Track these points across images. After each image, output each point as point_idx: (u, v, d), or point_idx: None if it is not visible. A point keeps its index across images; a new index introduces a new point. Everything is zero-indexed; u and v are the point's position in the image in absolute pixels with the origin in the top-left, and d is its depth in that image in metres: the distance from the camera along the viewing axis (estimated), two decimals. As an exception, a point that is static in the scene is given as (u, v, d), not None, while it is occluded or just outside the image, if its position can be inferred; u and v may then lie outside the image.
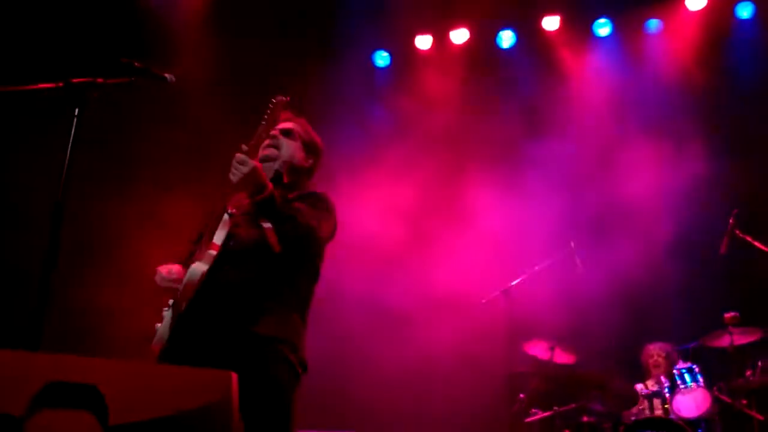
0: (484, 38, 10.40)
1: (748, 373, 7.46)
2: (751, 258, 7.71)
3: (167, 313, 4.00)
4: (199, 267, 3.89)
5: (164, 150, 9.06)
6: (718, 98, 9.32)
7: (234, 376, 2.50)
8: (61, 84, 3.71)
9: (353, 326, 9.17)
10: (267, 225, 3.95)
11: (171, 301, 4.02)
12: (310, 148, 4.52)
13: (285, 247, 3.97)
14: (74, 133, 3.64)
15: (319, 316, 8.79)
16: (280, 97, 4.12)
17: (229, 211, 4.06)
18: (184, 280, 3.89)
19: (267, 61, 9.49)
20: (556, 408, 7.87)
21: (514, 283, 8.22)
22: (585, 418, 7.71)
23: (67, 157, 3.59)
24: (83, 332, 7.59)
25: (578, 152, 9.40)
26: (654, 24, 9.91)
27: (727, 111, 9.31)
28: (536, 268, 8.33)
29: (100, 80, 3.76)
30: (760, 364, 7.43)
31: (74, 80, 3.71)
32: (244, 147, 3.97)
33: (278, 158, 4.36)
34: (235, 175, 3.85)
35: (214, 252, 3.94)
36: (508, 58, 10.36)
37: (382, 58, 10.71)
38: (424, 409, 8.82)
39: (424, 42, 10.51)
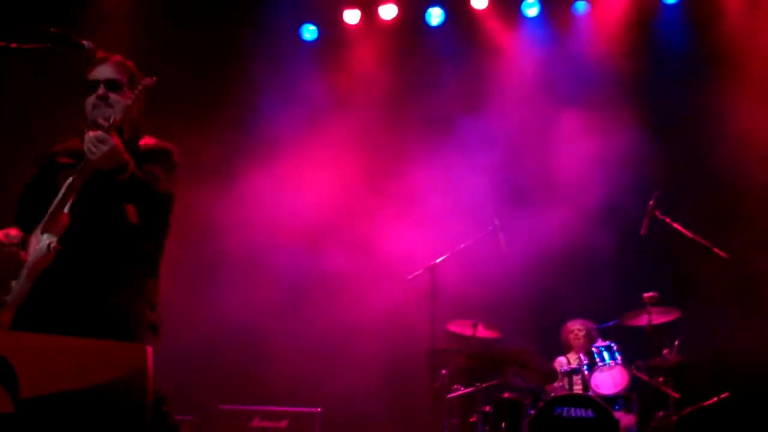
0: (412, 15, 10.35)
1: (665, 351, 7.58)
2: (670, 239, 7.86)
3: (16, 284, 3.87)
4: (50, 241, 3.79)
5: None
6: (642, 78, 9.43)
7: (149, 349, 2.51)
8: (-26, 48, 3.64)
9: (275, 297, 9.21)
10: (126, 203, 3.95)
11: (17, 273, 3.89)
12: (132, 84, 4.15)
13: (143, 219, 4.01)
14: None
15: (241, 286, 8.87)
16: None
17: (71, 178, 3.87)
18: (37, 252, 3.80)
19: (193, 35, 9.41)
20: (477, 384, 7.92)
21: (439, 260, 8.28)
22: (506, 394, 7.82)
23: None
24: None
25: (504, 130, 9.45)
26: (581, 6, 9.98)
27: (651, 91, 9.43)
28: (461, 245, 8.39)
29: (14, 45, 3.70)
30: (676, 343, 7.56)
31: (-13, 44, 3.64)
32: (103, 122, 3.84)
33: (114, 118, 3.96)
34: (93, 154, 3.68)
35: (64, 223, 3.84)
36: (437, 35, 10.34)
37: (309, 32, 10.58)
38: (345, 384, 8.84)
39: (352, 16, 10.44)
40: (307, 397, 8.43)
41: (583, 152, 9.06)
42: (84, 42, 3.90)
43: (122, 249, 3.99)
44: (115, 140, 3.71)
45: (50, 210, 3.89)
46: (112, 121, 3.80)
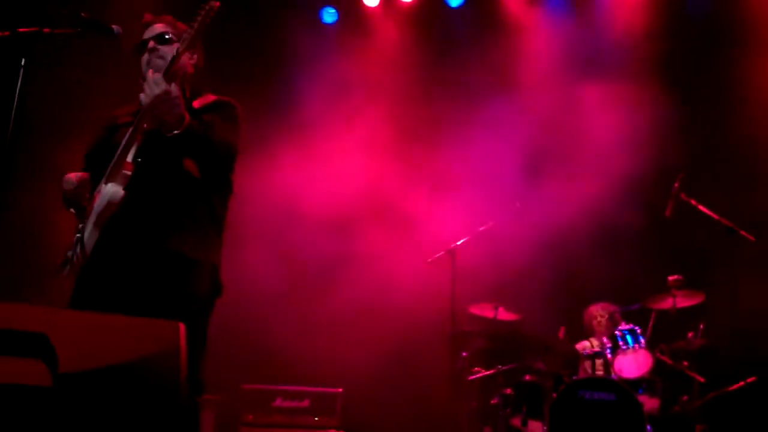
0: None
1: (690, 335, 7.58)
2: (696, 221, 7.81)
3: (79, 238, 3.93)
4: (116, 190, 3.79)
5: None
6: (667, 52, 9.31)
7: (182, 326, 2.51)
8: (6, 33, 3.65)
9: (298, 277, 9.30)
10: (185, 157, 3.93)
11: (81, 226, 3.95)
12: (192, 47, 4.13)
13: (204, 172, 4.00)
14: (21, 82, 3.59)
15: (265, 265, 8.86)
16: (212, 3, 3.70)
17: (136, 125, 3.87)
18: (101, 201, 3.81)
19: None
20: (498, 366, 7.94)
21: (459, 242, 8.29)
22: (527, 377, 7.79)
23: (14, 106, 3.54)
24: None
25: (527, 109, 9.37)
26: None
27: (676, 65, 9.30)
28: (481, 228, 8.38)
29: (46, 30, 3.70)
30: (701, 326, 7.54)
31: (20, 30, 3.65)
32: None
33: (171, 64, 3.97)
34: (147, 96, 3.69)
35: (128, 172, 3.82)
36: (457, 16, 10.28)
37: (329, 14, 10.56)
38: (367, 365, 8.86)
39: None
40: (329, 377, 8.45)
41: (607, 130, 8.98)
42: (113, 27, 3.91)
43: (186, 200, 3.98)
44: (171, 87, 3.68)
45: (113, 160, 3.89)
46: (169, 62, 3.80)
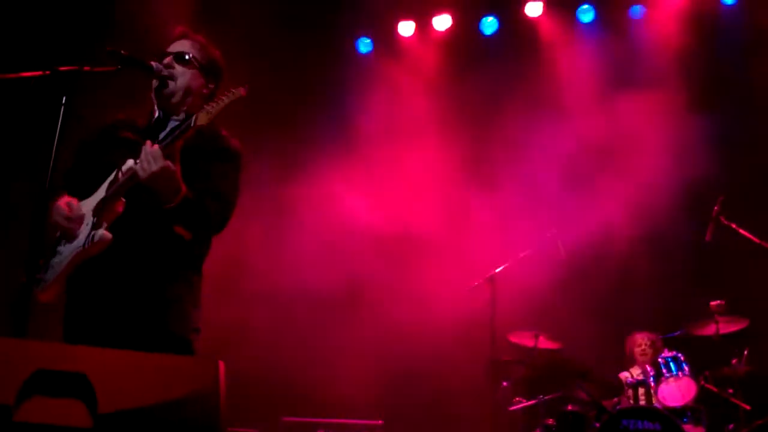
0: (466, 25, 10.35)
1: (734, 361, 7.47)
2: (737, 245, 7.72)
3: (57, 262, 3.84)
4: (103, 233, 3.69)
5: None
6: (702, 80, 9.29)
7: (221, 364, 2.50)
8: (47, 72, 3.68)
9: (337, 308, 9.28)
10: (175, 224, 3.86)
11: (60, 249, 3.85)
12: (209, 71, 4.16)
13: (195, 235, 3.96)
14: (61, 120, 3.61)
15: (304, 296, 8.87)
16: (240, 90, 3.65)
17: (130, 166, 3.73)
18: (88, 239, 3.71)
19: (251, 50, 9.46)
20: (540, 396, 7.87)
21: (498, 270, 8.26)
22: (569, 407, 7.71)
23: (55, 145, 3.56)
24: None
25: (567, 130, 9.33)
26: (638, 10, 9.87)
27: (712, 92, 9.27)
28: (521, 255, 8.35)
29: (86, 68, 3.73)
30: (746, 352, 7.44)
31: (61, 68, 3.68)
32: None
33: (175, 91, 4.01)
34: (144, 171, 3.60)
35: (119, 210, 3.76)
36: (491, 44, 10.29)
37: (364, 45, 10.64)
38: (407, 396, 8.83)
39: (406, 28, 10.46)
40: (368, 408, 8.41)
41: (643, 156, 8.93)
42: (152, 63, 3.94)
43: (172, 249, 3.91)
44: (168, 163, 3.61)
45: (105, 192, 3.81)
46: (175, 135, 3.69)
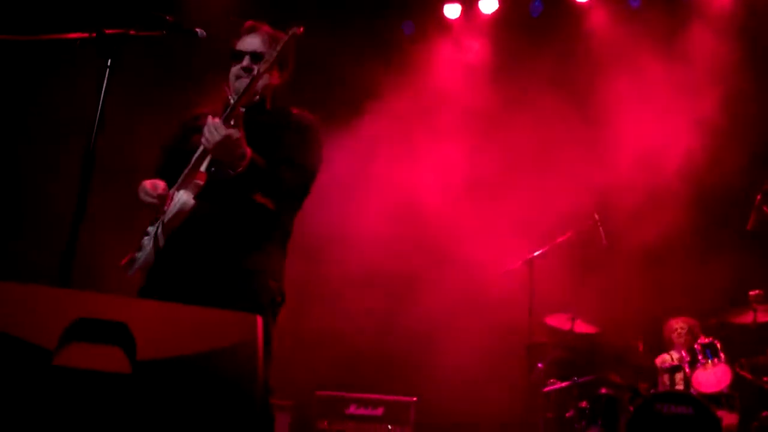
0: (513, 7, 10.30)
1: (770, 350, 7.45)
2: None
3: (147, 241, 3.99)
4: (187, 199, 3.83)
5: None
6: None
7: (259, 319, 2.54)
8: (94, 34, 3.74)
9: (375, 286, 9.28)
10: (251, 192, 3.95)
11: (150, 229, 4.01)
12: (282, 63, 4.20)
13: (278, 202, 4.04)
14: (106, 82, 3.68)
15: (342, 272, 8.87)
16: (295, 29, 3.73)
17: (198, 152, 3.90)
18: (173, 208, 3.86)
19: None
20: (574, 379, 7.88)
21: (537, 253, 8.26)
22: (603, 390, 7.71)
23: (99, 106, 3.63)
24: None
25: (611, 116, 9.28)
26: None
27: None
28: (559, 239, 8.35)
29: (132, 32, 3.79)
30: (783, 342, 7.42)
31: (107, 31, 3.74)
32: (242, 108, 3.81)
33: (256, 91, 4.07)
34: (208, 142, 3.74)
35: (200, 182, 3.88)
36: (537, 27, 10.23)
37: (409, 27, 10.61)
38: (441, 374, 8.85)
39: (452, 11, 10.43)
40: (403, 385, 8.45)
41: (691, 138, 8.87)
42: (197, 30, 3.98)
43: (255, 219, 4.02)
44: (231, 131, 3.71)
45: (187, 168, 3.94)
46: (233, 104, 3.80)
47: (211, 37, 4.05)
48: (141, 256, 4.00)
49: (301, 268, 8.79)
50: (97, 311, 2.39)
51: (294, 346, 8.45)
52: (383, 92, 9.73)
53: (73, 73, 6.56)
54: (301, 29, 3.72)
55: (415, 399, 8.14)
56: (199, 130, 4.06)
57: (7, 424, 2.24)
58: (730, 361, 7.46)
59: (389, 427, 8.05)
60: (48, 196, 7.60)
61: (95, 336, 2.35)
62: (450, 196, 9.49)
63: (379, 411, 8.10)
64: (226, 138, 3.69)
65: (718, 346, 7.50)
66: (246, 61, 4.13)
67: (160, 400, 2.33)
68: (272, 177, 3.91)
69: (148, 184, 4.01)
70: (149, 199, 3.95)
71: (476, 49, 10.35)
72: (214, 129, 3.71)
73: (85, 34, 3.74)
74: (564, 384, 7.95)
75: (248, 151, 3.78)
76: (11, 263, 7.58)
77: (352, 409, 8.10)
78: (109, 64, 3.70)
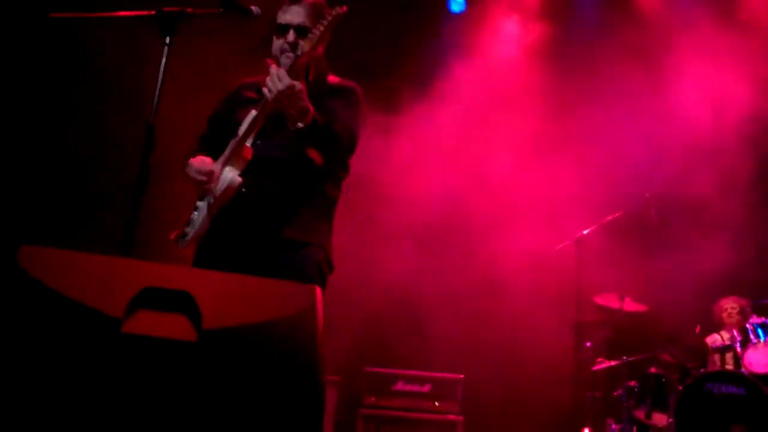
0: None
1: (825, 330, 7.37)
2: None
3: (197, 216, 4.05)
4: (233, 176, 3.87)
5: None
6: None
7: (318, 289, 2.59)
8: (153, 12, 3.80)
9: (424, 265, 9.25)
10: (308, 147, 3.95)
11: (200, 204, 4.06)
12: (326, 34, 3.99)
13: (326, 160, 4.04)
14: (166, 59, 3.74)
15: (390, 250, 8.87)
16: (338, 9, 3.73)
17: (254, 111, 3.91)
18: (221, 185, 3.90)
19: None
20: (623, 357, 7.86)
21: (586, 231, 8.22)
22: (652, 369, 7.69)
23: (159, 83, 3.69)
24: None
25: (661, 98, 9.18)
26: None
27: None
28: (609, 217, 8.30)
29: (189, 10, 3.84)
30: (838, 323, 7.34)
31: (166, 9, 3.80)
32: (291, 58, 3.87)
33: (302, 65, 3.96)
34: (270, 91, 3.71)
35: (247, 157, 3.90)
36: (587, 3, 10.14)
37: (457, 4, 10.54)
38: (489, 353, 8.87)
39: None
40: (451, 362, 8.48)
41: (740, 118, 8.76)
42: (252, 8, 4.00)
43: (303, 187, 4.04)
44: (295, 82, 3.69)
45: (233, 143, 3.97)
46: (295, 59, 3.81)
47: (266, 14, 4.08)
48: (190, 230, 4.06)
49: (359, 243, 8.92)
50: (162, 281, 2.46)
51: (342, 323, 8.53)
52: (448, 67, 9.70)
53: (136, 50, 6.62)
54: (344, 9, 3.72)
55: (462, 376, 8.16)
56: (244, 102, 4.12)
57: (76, 390, 2.31)
58: (782, 342, 7.41)
59: (436, 404, 8.08)
60: (112, 170, 7.69)
61: (161, 305, 2.42)
62: (500, 174, 9.41)
63: (427, 388, 8.14)
64: (290, 88, 3.67)
65: (772, 325, 7.45)
66: (291, 36, 4.07)
67: (223, 368, 2.38)
68: (329, 131, 3.88)
69: (196, 161, 4.04)
70: (199, 177, 3.98)
71: (533, 22, 10.24)
72: (277, 78, 3.68)
73: (145, 12, 3.81)
74: (613, 363, 7.93)
75: (311, 107, 3.76)
76: (79, 233, 7.67)
77: (400, 386, 8.14)
78: (167, 41, 3.75)
